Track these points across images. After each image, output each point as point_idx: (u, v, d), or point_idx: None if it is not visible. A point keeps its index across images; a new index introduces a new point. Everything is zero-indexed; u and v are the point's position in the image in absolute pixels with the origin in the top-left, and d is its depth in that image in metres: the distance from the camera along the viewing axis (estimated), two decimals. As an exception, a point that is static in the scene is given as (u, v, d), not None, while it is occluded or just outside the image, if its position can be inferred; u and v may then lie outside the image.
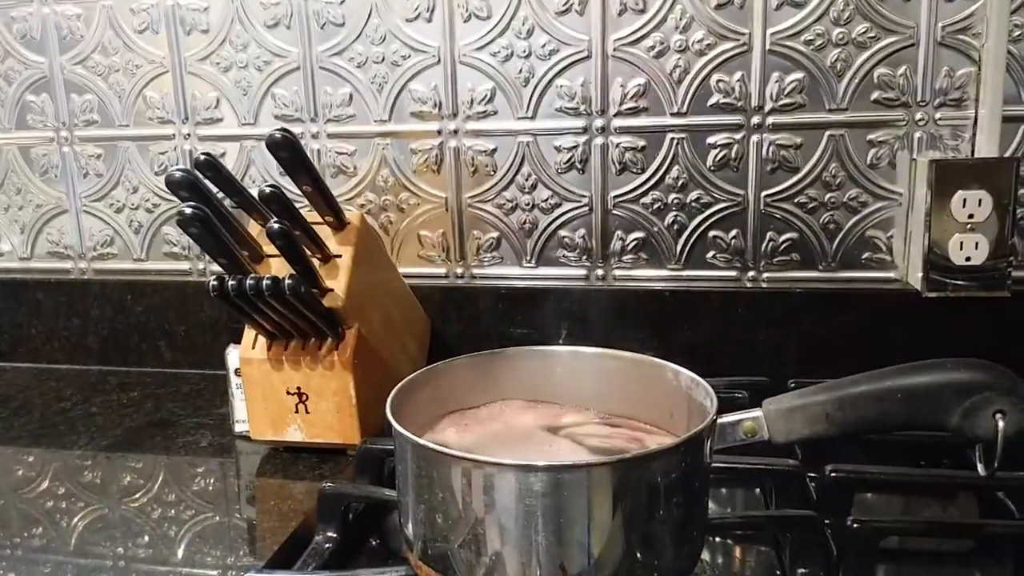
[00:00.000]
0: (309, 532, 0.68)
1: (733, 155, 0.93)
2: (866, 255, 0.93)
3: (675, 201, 0.95)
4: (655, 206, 0.96)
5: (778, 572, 0.63)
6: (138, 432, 0.90)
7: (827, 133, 0.91)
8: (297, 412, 0.81)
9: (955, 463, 0.76)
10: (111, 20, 1.04)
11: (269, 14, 0.99)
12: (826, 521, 0.62)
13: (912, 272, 0.91)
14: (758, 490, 0.74)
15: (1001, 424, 0.51)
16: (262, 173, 1.04)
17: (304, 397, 0.81)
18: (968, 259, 0.87)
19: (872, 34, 0.88)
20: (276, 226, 0.72)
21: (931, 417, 0.53)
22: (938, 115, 0.89)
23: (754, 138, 0.92)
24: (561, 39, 0.94)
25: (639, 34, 0.92)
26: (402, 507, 0.57)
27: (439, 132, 0.99)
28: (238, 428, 0.87)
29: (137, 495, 0.76)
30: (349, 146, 1.01)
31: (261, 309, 0.77)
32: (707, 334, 0.94)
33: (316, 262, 0.79)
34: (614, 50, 0.93)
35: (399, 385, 0.61)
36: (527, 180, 0.98)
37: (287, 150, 0.76)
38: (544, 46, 0.94)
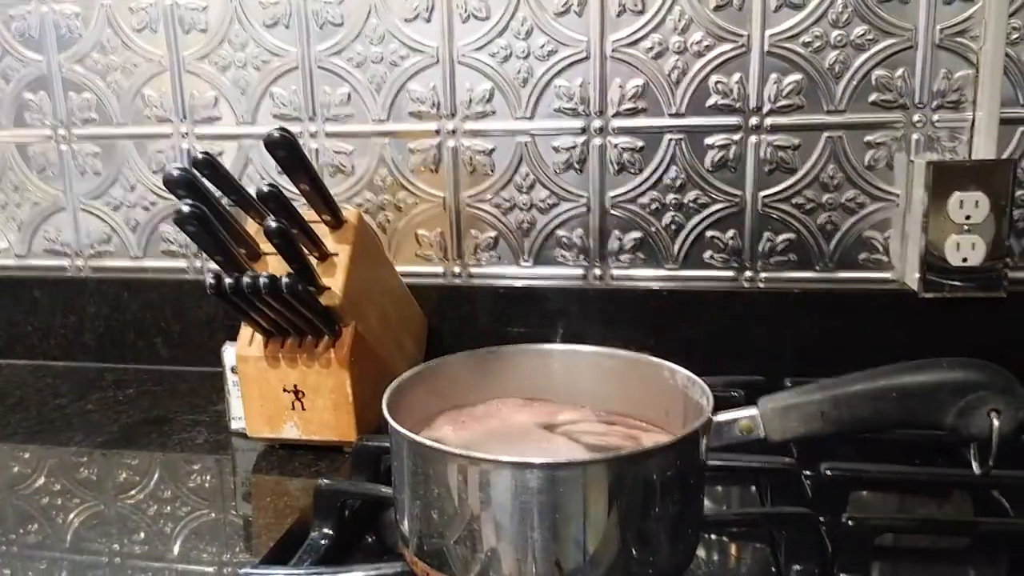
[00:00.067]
0: (305, 529, 0.68)
1: (731, 156, 0.93)
2: (863, 256, 0.93)
3: (673, 201, 0.95)
4: (653, 206, 0.96)
5: (773, 569, 0.63)
6: (134, 429, 0.90)
7: (825, 134, 0.91)
8: (293, 409, 0.81)
9: (950, 462, 0.76)
10: (110, 19, 1.04)
11: (268, 13, 1.00)
12: (821, 519, 0.62)
13: (909, 273, 0.91)
14: (754, 488, 0.74)
15: (996, 423, 0.51)
16: (260, 172, 1.04)
17: (300, 394, 0.81)
18: (965, 260, 0.87)
19: (870, 36, 0.88)
20: (274, 224, 0.72)
21: (926, 416, 0.53)
22: (936, 117, 0.89)
23: (752, 139, 0.92)
24: (560, 40, 0.94)
25: (638, 35, 0.92)
26: (398, 504, 0.57)
27: (437, 132, 0.99)
28: (234, 425, 0.87)
29: (133, 492, 0.76)
30: (347, 145, 1.01)
31: (258, 307, 0.77)
32: (704, 334, 0.95)
33: (313, 260, 0.79)
34: (613, 51, 0.93)
35: (395, 382, 0.61)
36: (525, 180, 0.98)
37: (285, 149, 0.76)
38: (543, 47, 0.94)
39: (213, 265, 0.78)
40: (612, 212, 0.97)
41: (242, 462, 0.83)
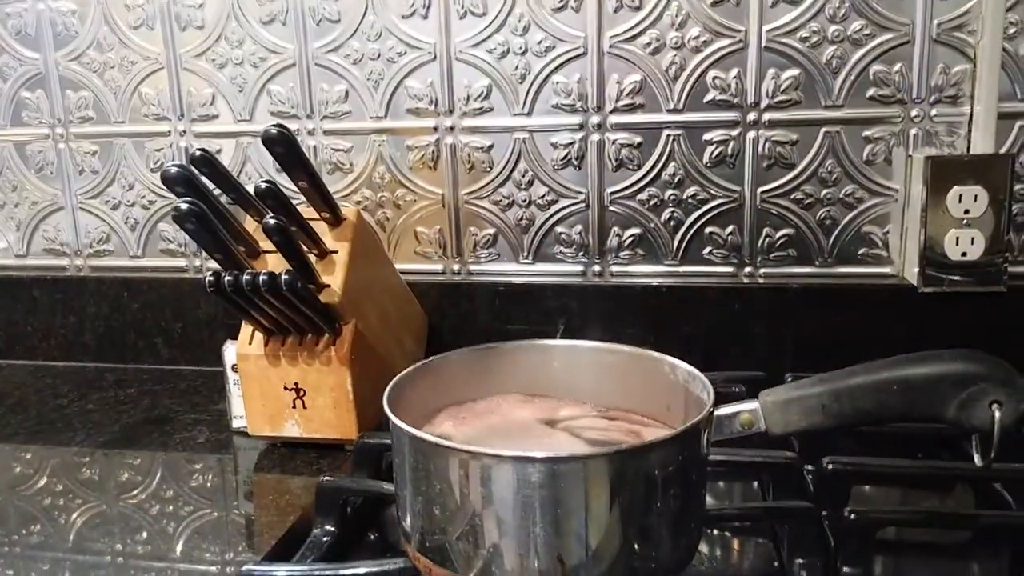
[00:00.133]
0: (307, 526, 0.68)
1: (729, 151, 0.93)
2: (862, 251, 0.93)
3: (672, 197, 0.95)
4: (651, 202, 0.96)
5: (776, 564, 0.63)
6: (135, 429, 0.90)
7: (823, 130, 0.91)
8: (294, 408, 0.81)
9: (951, 455, 0.76)
10: (106, 16, 1.04)
11: (264, 10, 0.99)
12: (823, 513, 0.62)
13: (908, 267, 0.91)
14: (756, 483, 0.75)
15: (997, 415, 0.51)
16: (258, 170, 1.04)
17: (301, 393, 0.81)
18: (964, 254, 0.87)
19: (868, 31, 0.88)
20: (272, 222, 0.72)
21: (928, 408, 0.53)
22: (934, 112, 0.89)
23: (750, 134, 0.92)
24: (557, 36, 0.94)
25: (635, 31, 0.92)
26: (400, 500, 0.57)
27: (435, 129, 0.99)
28: (235, 424, 0.87)
29: (135, 491, 0.76)
30: (345, 143, 1.01)
31: (258, 305, 0.77)
32: (704, 330, 0.95)
33: (313, 258, 0.79)
34: (610, 47, 0.93)
35: (396, 378, 0.61)
36: (523, 177, 0.98)
37: (283, 146, 0.76)
38: (540, 43, 0.94)
39: (213, 263, 0.78)
40: (611, 208, 0.97)
41: (243, 461, 0.83)
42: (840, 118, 0.91)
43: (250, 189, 0.79)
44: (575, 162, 0.96)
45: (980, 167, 0.86)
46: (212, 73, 1.03)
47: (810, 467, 0.69)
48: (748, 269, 0.96)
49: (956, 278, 0.88)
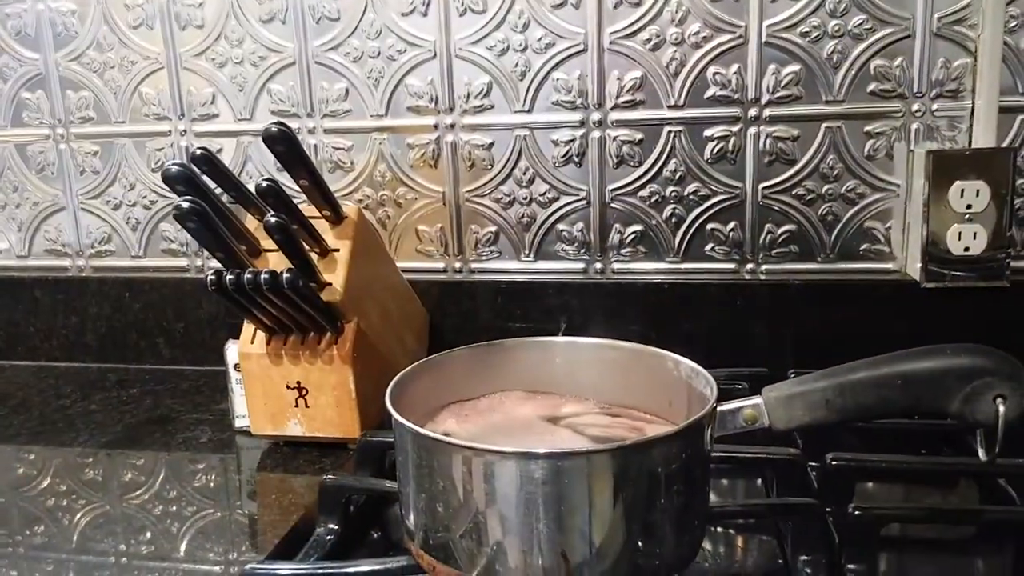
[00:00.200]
0: (310, 525, 0.68)
1: (730, 147, 0.93)
2: (864, 246, 0.93)
3: (673, 194, 0.95)
4: (653, 199, 0.96)
5: (780, 561, 0.63)
6: (138, 429, 0.90)
7: (824, 125, 0.91)
8: (297, 406, 0.81)
9: (955, 451, 0.76)
10: (106, 16, 1.03)
11: (264, 9, 0.99)
12: (827, 509, 0.62)
13: (911, 263, 0.91)
14: (759, 479, 0.74)
15: (1002, 409, 0.51)
16: (259, 169, 1.04)
17: (304, 391, 0.81)
18: (966, 249, 0.87)
19: (868, 26, 0.88)
20: (274, 220, 0.72)
21: (932, 403, 0.53)
22: (935, 106, 0.89)
23: (751, 130, 0.92)
24: (557, 32, 0.94)
25: (635, 27, 0.92)
26: (403, 498, 0.57)
27: (436, 127, 0.99)
28: (238, 423, 0.87)
29: (138, 492, 0.76)
30: (346, 141, 1.01)
31: (259, 303, 0.77)
32: (706, 327, 0.95)
33: (314, 256, 0.79)
34: (610, 43, 0.93)
35: (399, 376, 0.61)
36: (524, 174, 0.98)
37: (284, 144, 0.76)
38: (540, 40, 0.94)
39: (214, 263, 0.78)
40: (612, 205, 0.97)
41: (246, 460, 0.83)
42: (841, 113, 0.90)
43: (251, 188, 0.78)
44: (576, 159, 0.96)
45: (982, 161, 0.86)
46: (212, 72, 1.03)
47: (813, 463, 0.69)
48: (750, 265, 0.96)
49: (958, 273, 0.88)
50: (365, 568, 0.59)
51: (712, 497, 0.60)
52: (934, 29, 0.87)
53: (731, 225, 0.95)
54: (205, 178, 0.77)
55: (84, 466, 0.81)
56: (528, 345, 0.70)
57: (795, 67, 0.90)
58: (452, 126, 0.98)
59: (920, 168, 0.88)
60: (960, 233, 0.87)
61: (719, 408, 0.56)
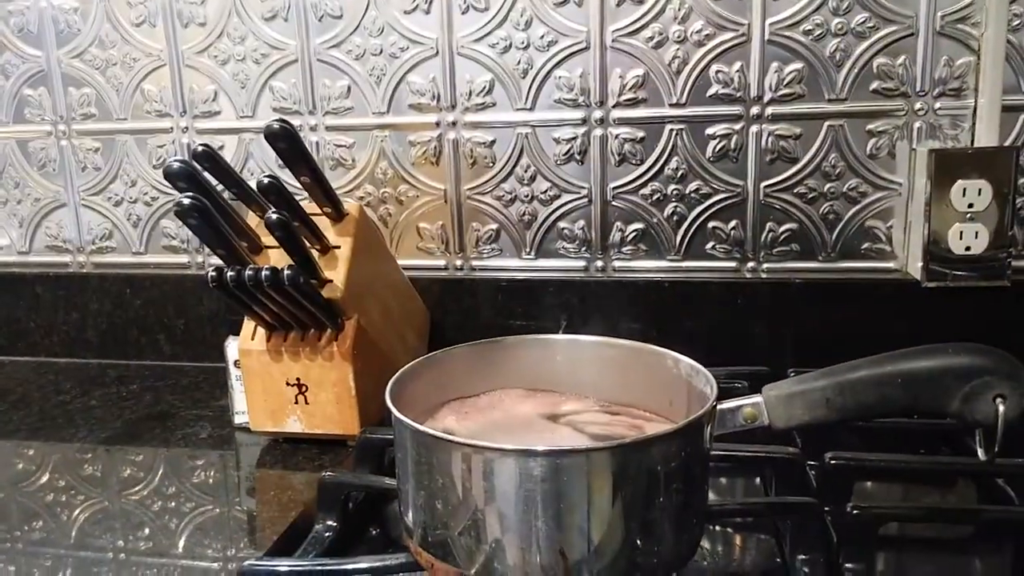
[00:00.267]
0: (309, 522, 0.68)
1: (732, 146, 0.93)
2: (866, 245, 0.93)
3: (674, 192, 0.95)
4: (654, 197, 0.96)
5: (778, 559, 0.63)
6: (137, 425, 0.90)
7: (826, 123, 0.91)
8: (297, 403, 0.81)
9: (954, 450, 0.76)
10: (108, 13, 1.04)
11: (266, 7, 0.99)
12: (826, 508, 0.62)
13: (912, 262, 0.91)
14: (758, 478, 0.74)
15: (1001, 408, 0.51)
16: (260, 166, 1.04)
17: (304, 388, 0.81)
18: (968, 249, 0.87)
19: (871, 24, 0.88)
20: (275, 217, 0.72)
21: (931, 402, 0.53)
22: (937, 105, 0.89)
23: (753, 128, 0.92)
24: (559, 30, 0.93)
25: (638, 25, 0.92)
26: (402, 495, 0.57)
27: (437, 124, 0.99)
28: (238, 420, 0.87)
29: (137, 487, 0.76)
30: (348, 138, 1.01)
31: (260, 300, 0.77)
32: (706, 325, 0.94)
33: (315, 253, 0.79)
34: (613, 41, 0.93)
35: (399, 373, 0.61)
36: (526, 172, 0.98)
37: (285, 141, 0.76)
38: (542, 37, 0.94)
39: (215, 259, 0.78)
40: (613, 203, 0.97)
41: (246, 456, 0.83)
42: (843, 112, 0.90)
43: (252, 185, 0.78)
44: (577, 157, 0.96)
45: (984, 160, 0.86)
46: (214, 69, 1.03)
47: (812, 462, 0.69)
48: (751, 264, 0.96)
49: (960, 273, 0.88)
50: (364, 565, 0.59)
51: (711, 496, 0.60)
52: (937, 27, 0.87)
53: (732, 223, 0.95)
54: (207, 175, 0.77)
55: (83, 462, 0.82)
56: (528, 343, 0.70)
57: (798, 65, 0.90)
58: (454, 123, 0.98)
59: (922, 167, 0.87)
60: (962, 232, 0.87)
61: (719, 406, 0.56)
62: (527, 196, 0.98)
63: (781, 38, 0.90)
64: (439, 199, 1.00)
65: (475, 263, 1.02)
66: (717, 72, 0.91)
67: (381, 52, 0.98)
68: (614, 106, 0.94)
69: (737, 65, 0.91)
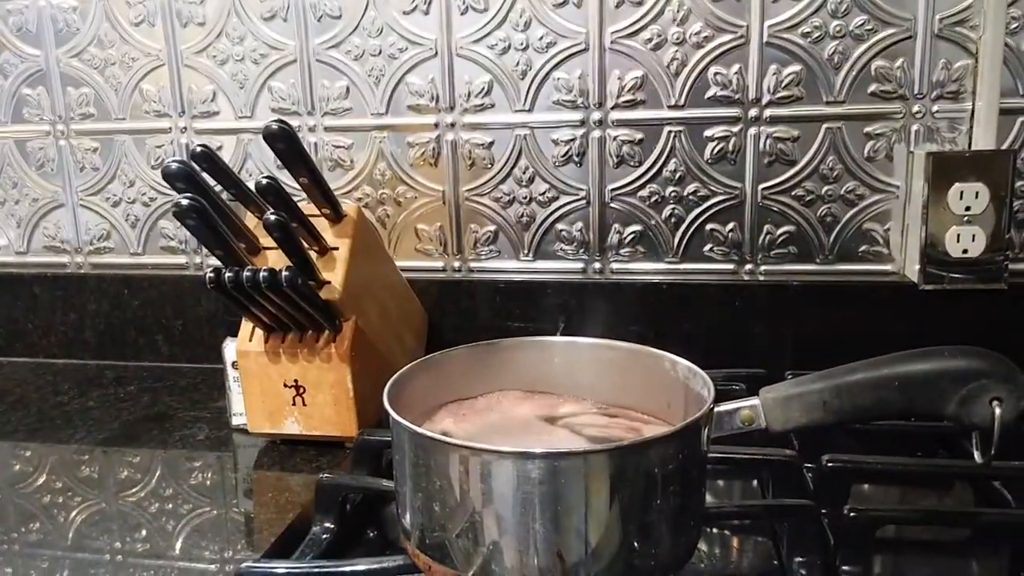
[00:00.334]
0: (307, 524, 0.68)
1: (730, 148, 0.93)
2: (863, 248, 0.93)
3: (672, 194, 0.95)
4: (652, 199, 0.96)
5: (775, 562, 0.63)
6: (135, 426, 0.90)
7: (824, 126, 0.91)
8: (294, 405, 0.81)
9: (951, 453, 0.76)
10: (107, 13, 1.03)
11: (265, 7, 0.99)
12: (823, 511, 0.62)
13: (909, 265, 0.91)
14: (755, 481, 0.74)
15: (998, 411, 0.51)
16: (259, 167, 1.04)
17: (301, 390, 0.81)
18: (965, 252, 0.87)
19: (869, 26, 0.88)
20: (273, 218, 0.72)
21: (928, 405, 0.53)
22: (935, 108, 0.89)
23: (751, 131, 0.92)
24: (558, 32, 0.94)
25: (636, 26, 0.92)
26: (400, 497, 0.57)
27: (436, 125, 0.99)
28: (235, 421, 0.87)
29: (134, 489, 0.76)
30: (346, 139, 1.01)
31: (258, 302, 0.77)
32: (704, 327, 0.95)
33: (313, 254, 0.79)
34: (611, 43, 0.93)
35: (396, 375, 0.61)
36: (524, 173, 0.98)
37: (284, 141, 0.76)
38: (541, 39, 0.94)
39: (213, 260, 0.78)
40: (612, 205, 0.97)
41: (243, 458, 0.83)
42: (841, 114, 0.90)
43: (251, 186, 0.78)
44: (576, 159, 0.96)
45: (981, 163, 0.86)
46: (213, 70, 1.03)
47: (810, 465, 0.69)
48: (749, 266, 0.96)
49: (957, 275, 0.88)
50: (361, 567, 0.59)
51: (708, 498, 0.60)
52: (935, 30, 0.87)
53: (730, 226, 0.95)
54: (205, 175, 0.77)
55: (81, 463, 0.81)
56: (526, 345, 0.70)
57: (796, 67, 0.90)
58: (452, 125, 0.98)
59: (920, 170, 0.88)
60: (959, 235, 0.87)
61: (716, 409, 0.56)
62: (525, 198, 0.98)
63: (779, 40, 0.90)
64: (437, 200, 1.01)
65: (473, 265, 1.02)
66: (715, 74, 0.92)
67: (380, 53, 0.98)
68: (612, 108, 0.94)
69: (735, 67, 0.91)
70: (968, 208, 0.86)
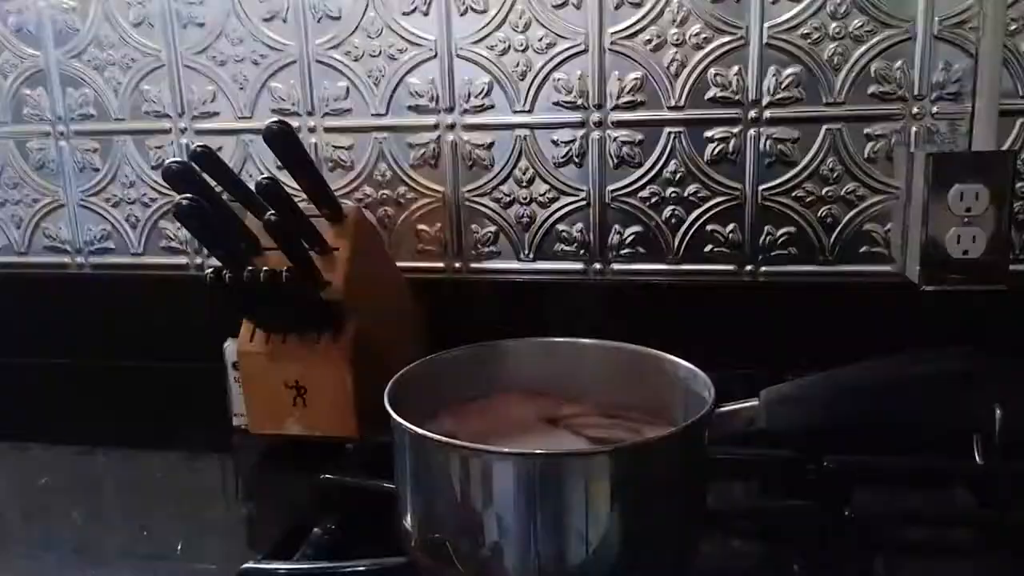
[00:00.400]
0: (307, 524, 0.67)
1: (731, 149, 0.93)
2: (864, 249, 0.93)
3: (673, 195, 0.95)
4: (653, 200, 0.96)
5: (776, 562, 0.63)
6: (135, 426, 0.90)
7: (824, 127, 0.91)
8: (295, 405, 0.81)
9: (952, 454, 0.76)
10: (107, 14, 1.03)
11: (265, 8, 0.99)
12: (824, 511, 0.62)
13: (910, 265, 0.91)
14: (756, 482, 0.74)
15: (999, 413, 0.51)
16: (259, 167, 1.04)
17: (302, 390, 0.81)
18: (966, 252, 0.87)
19: (869, 28, 0.88)
20: (273, 218, 0.72)
21: (929, 407, 0.53)
22: (935, 109, 0.89)
23: (751, 132, 0.92)
24: (558, 32, 0.94)
25: (636, 28, 0.92)
26: (400, 498, 0.57)
27: (436, 126, 0.99)
28: (236, 422, 0.87)
29: (135, 490, 0.76)
30: (346, 140, 1.01)
31: (259, 302, 0.77)
32: (705, 328, 0.94)
33: (314, 255, 0.79)
34: (611, 44, 0.93)
35: (397, 376, 0.61)
36: (524, 174, 0.98)
37: (284, 142, 0.76)
38: (541, 39, 0.94)
39: (214, 261, 0.77)
40: (612, 206, 0.97)
41: (244, 459, 0.83)
42: (841, 115, 0.90)
43: (251, 186, 0.78)
44: (576, 159, 0.96)
45: (982, 164, 0.86)
46: (213, 70, 1.03)
47: (811, 465, 0.69)
48: (749, 267, 0.96)
49: (958, 276, 0.88)
50: (362, 568, 0.59)
51: (709, 499, 0.60)
52: (935, 32, 0.87)
53: (731, 227, 0.95)
54: (205, 176, 0.77)
55: (80, 463, 0.81)
56: (527, 346, 0.70)
57: (796, 69, 0.90)
58: (452, 126, 0.98)
59: (920, 171, 0.87)
60: (959, 236, 0.87)
61: (717, 410, 0.56)
62: (526, 198, 0.98)
63: (779, 42, 0.90)
64: (438, 201, 1.00)
65: (473, 265, 1.02)
66: (715, 75, 0.92)
67: (380, 53, 0.98)
68: (612, 109, 0.94)
69: (735, 68, 0.91)
70: (968, 209, 0.86)
